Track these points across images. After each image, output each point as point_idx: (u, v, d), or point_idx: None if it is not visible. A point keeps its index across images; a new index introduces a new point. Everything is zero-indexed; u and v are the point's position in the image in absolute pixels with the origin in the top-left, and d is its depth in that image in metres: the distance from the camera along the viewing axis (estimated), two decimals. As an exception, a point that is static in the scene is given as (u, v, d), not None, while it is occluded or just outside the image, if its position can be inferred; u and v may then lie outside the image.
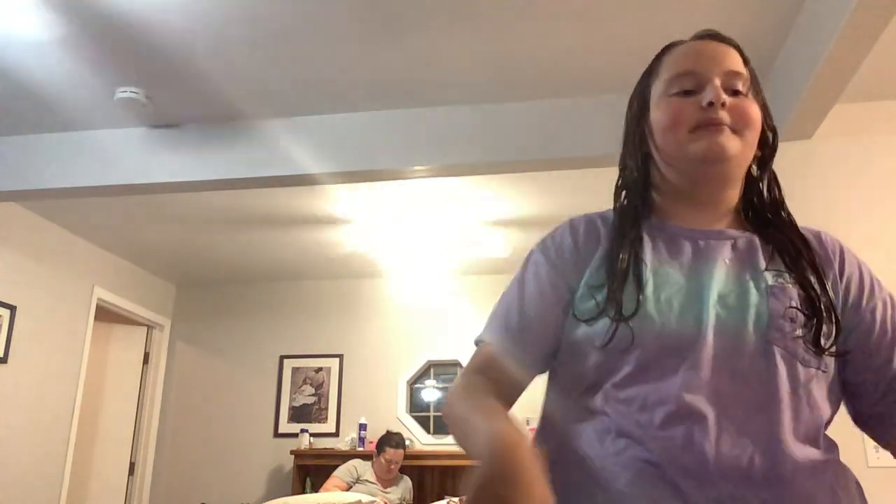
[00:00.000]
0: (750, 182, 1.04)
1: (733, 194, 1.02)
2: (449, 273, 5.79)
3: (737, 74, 0.97)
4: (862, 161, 2.97)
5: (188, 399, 6.08)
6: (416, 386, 5.89)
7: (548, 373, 1.03)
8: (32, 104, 3.32)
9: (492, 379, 0.97)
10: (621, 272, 0.93)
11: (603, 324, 0.91)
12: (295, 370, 6.01)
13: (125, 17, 2.69)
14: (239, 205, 4.55)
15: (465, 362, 6.31)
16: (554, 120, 3.22)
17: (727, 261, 0.96)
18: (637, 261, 0.95)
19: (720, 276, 0.94)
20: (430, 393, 5.85)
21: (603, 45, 2.84)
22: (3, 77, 3.09)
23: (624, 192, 1.06)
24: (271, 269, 5.90)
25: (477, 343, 1.03)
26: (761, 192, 1.04)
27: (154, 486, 5.84)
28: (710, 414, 0.84)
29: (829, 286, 0.97)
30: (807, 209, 2.95)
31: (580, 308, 0.95)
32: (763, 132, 1.00)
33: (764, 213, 1.03)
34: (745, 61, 1.00)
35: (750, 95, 0.97)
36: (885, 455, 2.58)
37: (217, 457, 5.87)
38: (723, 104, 0.93)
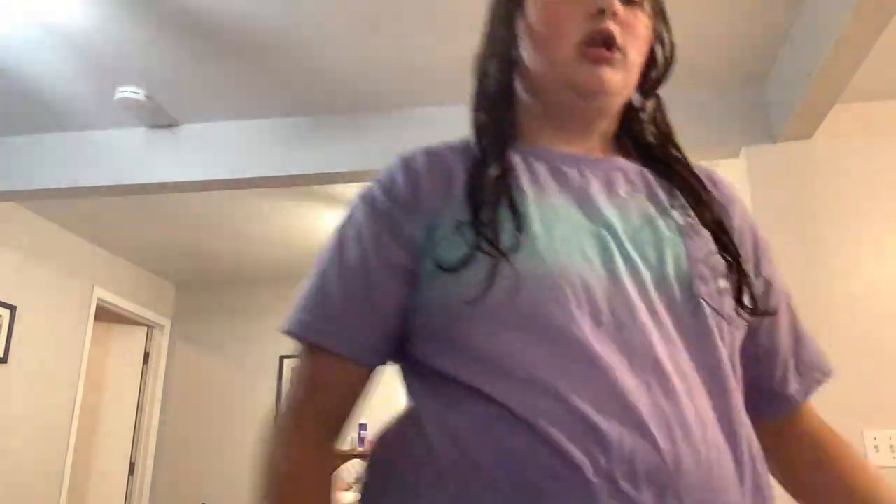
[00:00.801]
0: (632, 110, 0.88)
1: (610, 123, 0.86)
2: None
3: None
4: (864, 161, 2.96)
5: (188, 399, 6.08)
6: (416, 386, 5.89)
7: (400, 367, 0.84)
8: (33, 104, 3.32)
9: (323, 412, 0.80)
10: (491, 201, 0.73)
11: (476, 269, 0.70)
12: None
13: (126, 15, 2.69)
14: (240, 204, 4.54)
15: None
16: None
17: (624, 193, 0.79)
18: (509, 187, 0.75)
19: (622, 211, 0.77)
20: (430, 393, 5.84)
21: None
22: (3, 77, 3.09)
23: (482, 107, 0.86)
24: (271, 268, 5.89)
25: (289, 334, 0.88)
26: (645, 122, 0.88)
27: (154, 486, 5.84)
28: (648, 397, 0.66)
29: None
30: (808, 210, 2.93)
31: (442, 254, 0.73)
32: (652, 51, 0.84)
33: (649, 148, 0.87)
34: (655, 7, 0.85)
35: (642, 9, 0.81)
36: (885, 454, 2.59)
37: (217, 457, 5.87)
38: (614, 12, 0.77)
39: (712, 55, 2.87)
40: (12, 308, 4.46)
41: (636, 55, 0.80)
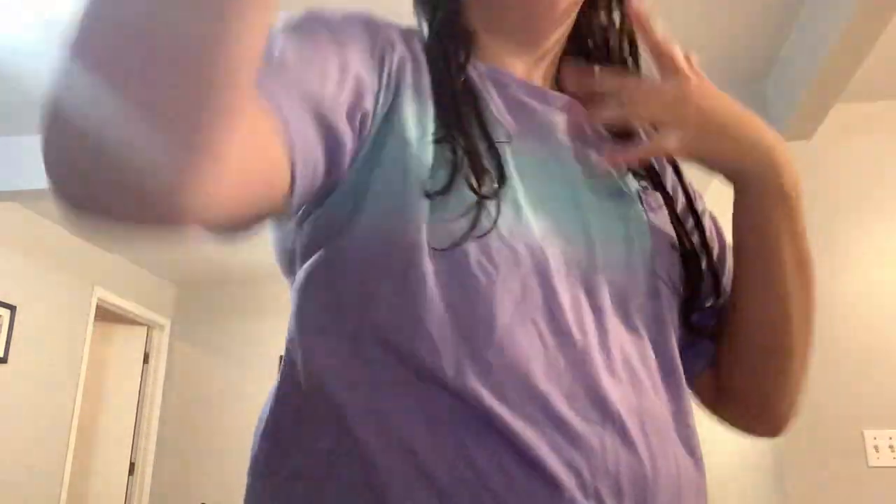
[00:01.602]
0: (585, 15, 0.72)
1: (562, 33, 0.71)
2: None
3: None
4: (864, 161, 2.97)
5: (188, 399, 6.08)
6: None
7: (303, 277, 0.61)
8: (33, 105, 3.32)
9: None
10: (466, 129, 0.59)
11: (454, 205, 0.55)
12: (295, 370, 6.00)
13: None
14: (239, 205, 4.55)
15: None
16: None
17: (584, 145, 0.67)
18: (481, 115, 0.61)
19: (587, 170, 0.65)
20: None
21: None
22: (5, 78, 3.09)
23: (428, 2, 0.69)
24: (272, 269, 5.84)
25: None
26: (600, 30, 0.73)
27: (154, 487, 5.84)
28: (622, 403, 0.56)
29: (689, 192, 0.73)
30: (808, 210, 2.93)
31: (414, 162, 0.57)
32: None
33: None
34: None
35: None
36: (885, 455, 2.59)
37: (217, 457, 5.86)
38: None
39: (712, 55, 2.87)
40: (12, 308, 4.46)
41: None
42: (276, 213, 0.51)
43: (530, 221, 0.57)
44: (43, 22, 2.71)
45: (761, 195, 0.65)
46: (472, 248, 0.54)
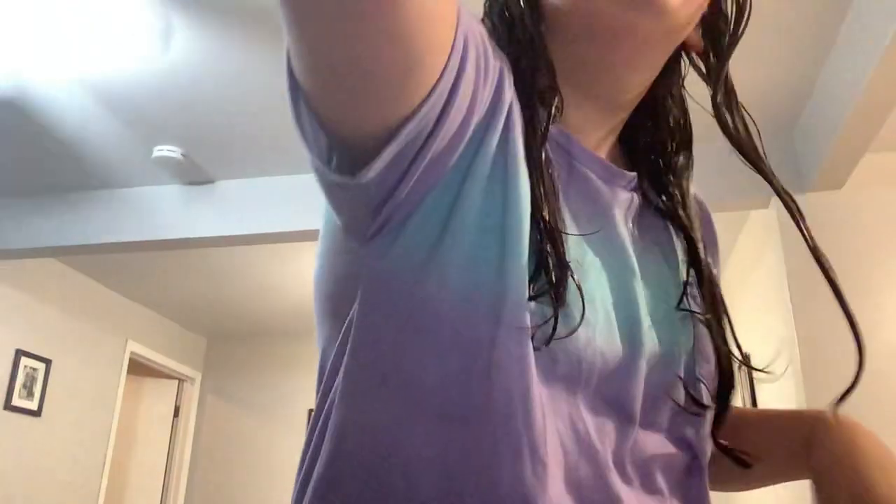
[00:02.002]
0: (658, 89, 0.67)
1: (637, 92, 0.64)
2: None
3: None
4: (894, 212, 2.94)
5: (217, 452, 6.07)
6: (446, 440, 5.82)
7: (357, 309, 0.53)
8: (72, 163, 3.43)
9: None
10: (545, 223, 0.52)
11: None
12: (324, 424, 5.98)
13: (161, 78, 2.78)
14: (271, 257, 4.60)
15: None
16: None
17: (639, 233, 0.63)
18: (555, 210, 0.54)
19: (642, 266, 0.60)
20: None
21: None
22: (44, 136, 3.20)
23: (506, 33, 0.60)
24: (301, 322, 5.92)
25: None
26: (672, 108, 0.68)
27: (182, 542, 5.80)
28: None
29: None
30: (839, 260, 2.90)
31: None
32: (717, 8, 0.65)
33: (655, 150, 0.68)
34: None
35: None
36: None
37: (245, 512, 5.83)
38: None
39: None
40: (48, 361, 4.53)
41: None
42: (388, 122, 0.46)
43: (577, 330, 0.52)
44: (82, 81, 2.82)
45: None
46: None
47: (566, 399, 0.52)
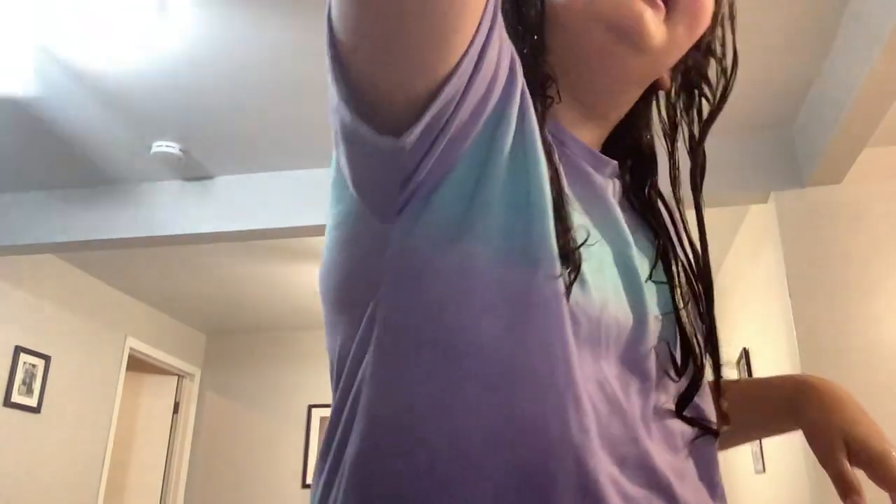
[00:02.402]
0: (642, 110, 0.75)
1: (618, 110, 0.71)
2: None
3: None
4: (894, 206, 2.94)
5: (217, 448, 6.07)
6: (445, 435, 5.83)
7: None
8: (71, 159, 3.42)
9: None
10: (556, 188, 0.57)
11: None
12: (323, 420, 5.98)
13: (159, 73, 2.78)
14: (269, 254, 4.60)
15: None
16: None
17: (623, 209, 0.69)
18: (562, 190, 0.59)
19: (635, 239, 0.66)
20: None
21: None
22: (43, 132, 3.19)
23: (512, 43, 0.60)
24: (300, 317, 5.93)
25: None
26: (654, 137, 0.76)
27: (182, 538, 5.81)
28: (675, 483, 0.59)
29: None
30: (838, 254, 2.90)
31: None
32: (708, 49, 0.73)
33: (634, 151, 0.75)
34: None
35: None
36: None
37: (245, 507, 5.84)
38: None
39: (740, 101, 2.87)
40: (47, 358, 4.53)
41: (684, 30, 0.65)
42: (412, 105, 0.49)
43: (591, 292, 0.57)
44: (80, 77, 2.81)
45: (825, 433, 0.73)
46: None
47: (592, 363, 0.56)
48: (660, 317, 0.63)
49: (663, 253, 0.69)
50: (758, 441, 3.23)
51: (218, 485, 5.95)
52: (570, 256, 0.55)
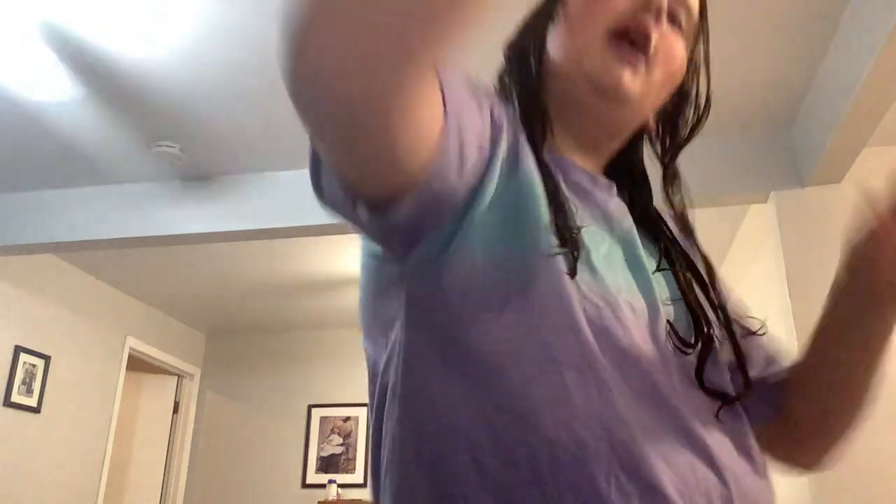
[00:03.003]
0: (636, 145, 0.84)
1: (615, 147, 0.81)
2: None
3: (686, 7, 0.76)
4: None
5: (217, 448, 6.07)
6: (445, 435, 5.84)
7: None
8: (70, 158, 3.42)
9: None
10: (559, 201, 0.67)
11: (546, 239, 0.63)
12: (323, 419, 5.99)
13: (160, 75, 2.78)
14: (268, 254, 4.60)
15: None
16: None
17: (628, 226, 0.77)
18: (557, 188, 0.68)
19: (634, 239, 0.74)
20: (459, 442, 5.78)
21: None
22: (42, 133, 3.19)
23: (516, 87, 0.79)
24: (300, 317, 5.93)
25: None
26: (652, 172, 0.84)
27: (182, 538, 5.81)
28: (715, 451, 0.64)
29: None
30: (837, 255, 2.90)
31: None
32: (684, 92, 0.80)
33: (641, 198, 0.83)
34: (703, 7, 0.79)
35: (684, 38, 0.76)
36: None
37: (245, 507, 5.84)
38: (658, 12, 0.71)
39: (740, 100, 2.89)
40: (46, 358, 4.53)
41: (661, 77, 0.74)
42: (402, 194, 0.57)
43: (605, 279, 0.65)
44: (81, 77, 2.81)
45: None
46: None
47: (616, 342, 0.62)
48: (669, 302, 0.71)
49: (666, 252, 0.77)
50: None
51: (218, 485, 5.95)
52: (569, 236, 0.63)
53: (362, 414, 5.92)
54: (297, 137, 3.23)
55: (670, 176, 0.82)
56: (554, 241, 0.62)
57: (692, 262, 0.78)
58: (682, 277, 0.74)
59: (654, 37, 0.71)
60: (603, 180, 0.77)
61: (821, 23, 2.46)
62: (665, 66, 0.74)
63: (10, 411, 4.26)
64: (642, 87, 0.72)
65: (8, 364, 4.25)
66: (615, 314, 0.64)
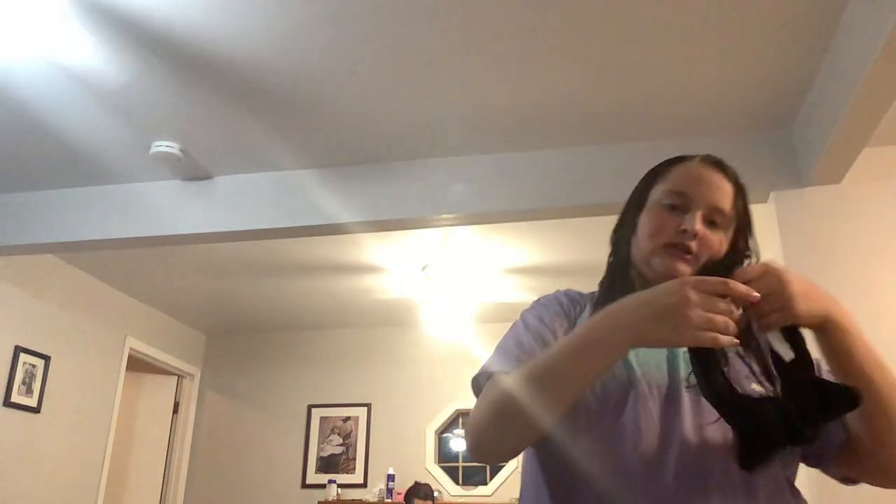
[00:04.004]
0: None
1: None
2: (478, 321, 5.77)
3: (719, 211, 1.11)
4: (893, 206, 2.93)
5: (217, 448, 6.07)
6: (445, 435, 5.84)
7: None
8: (70, 158, 3.42)
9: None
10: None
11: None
12: (323, 419, 5.99)
13: (159, 73, 2.78)
14: (268, 254, 4.60)
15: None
16: (585, 167, 3.24)
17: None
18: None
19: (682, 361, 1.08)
20: (459, 443, 5.78)
21: (631, 95, 2.87)
22: (42, 132, 3.19)
23: (613, 270, 1.20)
24: (299, 318, 5.93)
25: (486, 376, 1.04)
26: None
27: (182, 538, 5.81)
28: None
29: None
30: (838, 254, 2.89)
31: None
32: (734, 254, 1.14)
33: None
34: (738, 192, 1.14)
35: (723, 230, 1.11)
36: None
37: (245, 507, 5.84)
38: (695, 234, 1.08)
39: (740, 100, 2.88)
40: (46, 358, 4.53)
41: (706, 259, 1.09)
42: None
43: (647, 398, 1.01)
44: (80, 78, 2.81)
45: (839, 332, 0.99)
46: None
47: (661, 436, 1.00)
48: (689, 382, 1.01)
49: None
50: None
51: (218, 485, 5.95)
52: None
53: (362, 414, 5.92)
54: (299, 138, 3.23)
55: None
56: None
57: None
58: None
59: (694, 245, 1.07)
60: None
61: (821, 23, 2.46)
62: (708, 252, 1.09)
63: (10, 411, 4.26)
64: (693, 268, 1.08)
65: (8, 364, 4.25)
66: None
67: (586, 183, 3.22)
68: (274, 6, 2.41)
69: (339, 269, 4.87)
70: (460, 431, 5.79)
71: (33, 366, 4.43)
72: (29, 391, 4.38)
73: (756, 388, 1.01)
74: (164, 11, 2.43)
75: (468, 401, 5.72)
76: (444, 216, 3.34)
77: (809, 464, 1.10)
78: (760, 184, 3.06)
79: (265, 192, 3.51)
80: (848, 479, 1.12)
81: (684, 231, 1.08)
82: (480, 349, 5.76)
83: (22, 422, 4.34)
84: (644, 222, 1.15)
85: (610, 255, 1.22)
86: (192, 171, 3.50)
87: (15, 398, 4.27)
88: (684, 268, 1.07)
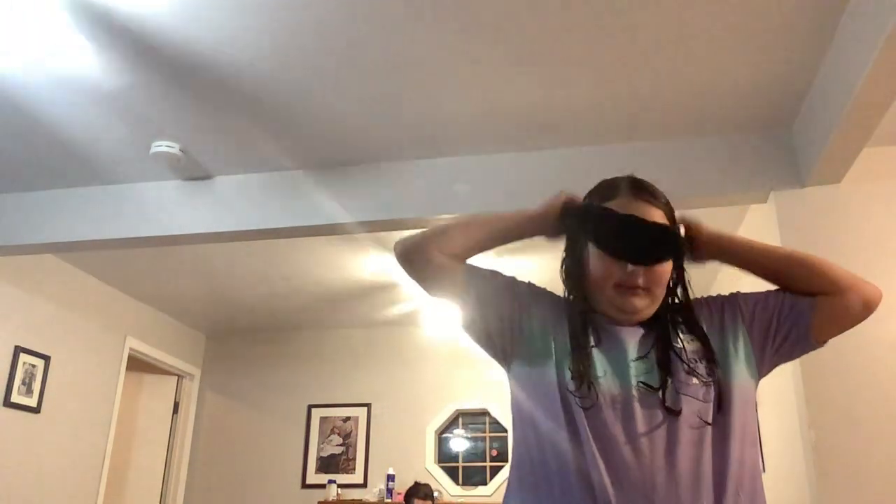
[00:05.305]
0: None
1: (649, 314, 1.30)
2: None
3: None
4: (893, 206, 2.94)
5: (217, 448, 6.07)
6: (445, 435, 5.83)
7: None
8: (70, 158, 3.42)
9: None
10: (583, 345, 1.21)
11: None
12: (323, 419, 5.99)
13: (160, 73, 2.78)
14: (268, 254, 4.60)
15: (494, 412, 6.05)
16: (585, 167, 3.24)
17: (636, 343, 1.27)
18: (587, 338, 1.23)
19: (637, 353, 1.23)
20: (459, 443, 5.78)
21: (632, 95, 2.87)
22: (43, 133, 3.19)
23: (569, 283, 1.33)
24: (299, 318, 5.93)
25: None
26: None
27: (182, 538, 5.81)
28: None
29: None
30: (837, 254, 2.91)
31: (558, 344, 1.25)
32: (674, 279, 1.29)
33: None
34: (668, 209, 1.27)
35: (669, 262, 1.25)
36: None
37: (245, 507, 5.84)
38: (640, 275, 1.21)
39: (740, 100, 2.89)
40: (46, 358, 4.53)
41: (658, 289, 1.24)
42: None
43: (601, 386, 1.16)
44: (80, 78, 2.81)
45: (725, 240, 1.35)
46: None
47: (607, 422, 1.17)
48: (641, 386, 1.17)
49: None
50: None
51: (218, 485, 5.95)
52: (582, 377, 1.17)
53: (362, 414, 5.92)
54: (300, 138, 3.23)
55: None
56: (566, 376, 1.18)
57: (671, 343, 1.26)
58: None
59: (642, 281, 1.21)
60: (627, 323, 1.25)
61: (821, 23, 2.46)
62: (659, 286, 1.23)
63: (10, 411, 4.26)
64: (648, 301, 1.23)
65: (8, 364, 4.25)
66: (607, 404, 1.16)
67: (586, 183, 3.21)
68: (272, 9, 2.41)
69: (341, 270, 4.87)
70: (461, 432, 5.79)
71: (33, 366, 4.43)
72: (29, 391, 4.39)
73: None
74: (160, 20, 2.43)
75: (468, 401, 5.74)
76: (445, 216, 3.34)
77: (798, 347, 1.32)
78: (760, 184, 3.06)
79: (265, 193, 3.51)
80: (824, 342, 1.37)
81: (632, 272, 1.20)
82: (480, 349, 5.75)
83: (22, 422, 4.34)
84: (592, 263, 1.25)
85: (563, 280, 1.35)
86: (192, 171, 3.50)
87: (15, 398, 4.27)
88: (639, 301, 1.22)
